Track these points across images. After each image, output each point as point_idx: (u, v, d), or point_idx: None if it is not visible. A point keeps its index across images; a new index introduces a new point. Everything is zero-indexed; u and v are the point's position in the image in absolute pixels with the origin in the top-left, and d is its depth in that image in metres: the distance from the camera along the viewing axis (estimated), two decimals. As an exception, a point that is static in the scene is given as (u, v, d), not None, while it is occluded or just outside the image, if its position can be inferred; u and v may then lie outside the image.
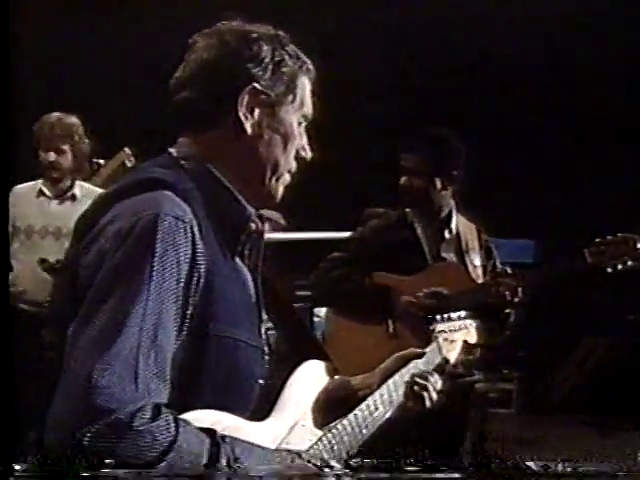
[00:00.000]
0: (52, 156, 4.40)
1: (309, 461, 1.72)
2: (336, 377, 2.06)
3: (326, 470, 1.74)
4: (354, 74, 6.68)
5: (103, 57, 6.26)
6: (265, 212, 5.77)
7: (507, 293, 3.44)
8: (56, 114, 4.44)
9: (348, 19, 6.61)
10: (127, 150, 5.27)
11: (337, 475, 1.74)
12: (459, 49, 6.83)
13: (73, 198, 4.47)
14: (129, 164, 5.13)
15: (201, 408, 1.63)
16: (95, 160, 5.11)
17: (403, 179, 3.71)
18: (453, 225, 3.77)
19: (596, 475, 1.79)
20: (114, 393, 1.47)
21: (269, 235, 5.76)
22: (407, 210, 3.79)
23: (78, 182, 4.53)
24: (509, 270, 3.53)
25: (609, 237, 3.38)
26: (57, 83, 6.15)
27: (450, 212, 3.77)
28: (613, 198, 7.15)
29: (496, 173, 6.77)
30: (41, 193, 4.47)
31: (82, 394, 1.47)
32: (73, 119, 4.46)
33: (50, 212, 4.43)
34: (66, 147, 4.40)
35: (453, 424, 3.60)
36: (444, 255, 3.73)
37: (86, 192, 4.44)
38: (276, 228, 6.12)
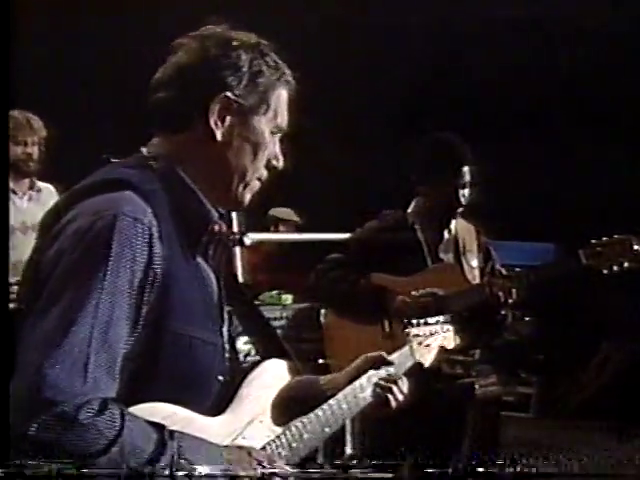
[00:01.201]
0: (29, 147, 4.48)
1: (258, 460, 1.75)
2: (304, 376, 2.08)
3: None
4: (354, 75, 6.69)
5: (104, 57, 6.31)
6: (275, 211, 5.81)
7: (501, 294, 3.44)
8: (17, 111, 4.45)
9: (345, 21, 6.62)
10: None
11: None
12: (459, 49, 6.82)
13: (39, 191, 4.58)
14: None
15: (158, 401, 1.67)
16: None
17: (420, 200, 3.76)
18: (452, 227, 3.78)
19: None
20: (62, 386, 1.52)
21: (271, 235, 5.78)
22: (408, 212, 3.81)
23: (37, 182, 4.63)
24: (504, 271, 3.53)
25: (605, 238, 3.38)
26: (57, 83, 6.21)
27: None
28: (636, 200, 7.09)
29: (517, 176, 6.75)
30: (11, 192, 4.50)
31: (31, 387, 1.51)
32: (35, 117, 4.53)
33: (24, 208, 4.49)
34: (36, 139, 4.49)
35: (449, 426, 3.61)
36: (442, 256, 3.74)
37: (44, 187, 4.58)
38: (289, 228, 6.16)
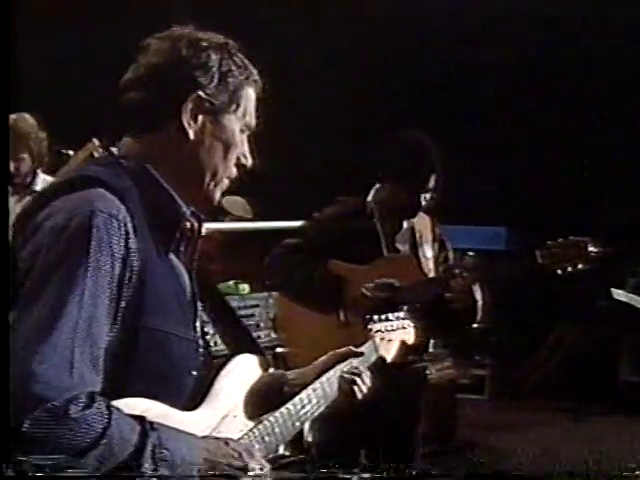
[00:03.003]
0: (12, 166, 4.30)
1: (236, 450, 1.79)
2: (272, 370, 2.14)
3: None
4: (324, 71, 6.70)
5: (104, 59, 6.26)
6: (225, 201, 5.72)
7: (457, 286, 3.48)
8: (11, 117, 4.20)
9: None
10: (95, 141, 5.26)
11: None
12: (438, 46, 6.88)
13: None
14: (97, 155, 5.12)
15: (134, 396, 1.71)
16: (64, 151, 5.07)
17: (382, 192, 3.74)
18: (410, 219, 3.77)
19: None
20: (51, 382, 1.55)
21: (226, 225, 5.72)
22: (368, 200, 3.78)
23: (41, 175, 4.45)
24: (458, 271, 3.54)
25: (560, 240, 3.40)
26: (57, 83, 6.17)
27: None
28: (585, 186, 7.22)
29: (469, 160, 6.81)
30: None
31: (21, 383, 1.54)
32: (28, 120, 4.37)
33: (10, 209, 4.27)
34: (25, 155, 4.35)
35: (404, 412, 3.64)
36: (399, 247, 3.73)
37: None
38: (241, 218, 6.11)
